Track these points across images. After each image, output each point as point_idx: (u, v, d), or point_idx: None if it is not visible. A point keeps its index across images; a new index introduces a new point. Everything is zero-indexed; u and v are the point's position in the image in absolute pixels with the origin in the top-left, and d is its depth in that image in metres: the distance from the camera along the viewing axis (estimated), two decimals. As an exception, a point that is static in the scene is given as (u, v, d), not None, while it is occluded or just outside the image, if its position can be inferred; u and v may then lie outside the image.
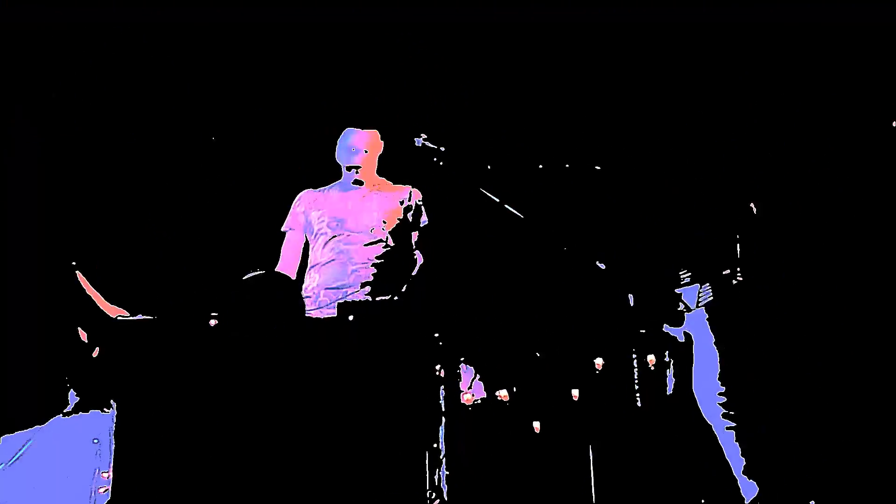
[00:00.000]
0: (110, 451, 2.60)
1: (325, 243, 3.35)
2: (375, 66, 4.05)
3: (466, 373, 3.40)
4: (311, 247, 3.43)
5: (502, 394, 3.41)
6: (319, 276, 3.32)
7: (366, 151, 3.42)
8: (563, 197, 3.77)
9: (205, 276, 3.87)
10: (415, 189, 3.48)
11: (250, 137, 4.11)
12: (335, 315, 2.93)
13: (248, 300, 2.71)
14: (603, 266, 2.56)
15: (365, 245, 3.33)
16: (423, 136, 2.95)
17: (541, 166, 3.58)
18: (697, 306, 3.00)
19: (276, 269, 3.39)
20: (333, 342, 2.72)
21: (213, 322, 2.69)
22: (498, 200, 2.72)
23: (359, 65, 4.06)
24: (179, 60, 4.01)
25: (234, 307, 2.70)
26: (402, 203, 3.43)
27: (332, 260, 3.32)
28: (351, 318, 2.74)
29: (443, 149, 2.84)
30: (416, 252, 3.44)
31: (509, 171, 3.47)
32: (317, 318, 3.13)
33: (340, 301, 2.86)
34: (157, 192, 4.02)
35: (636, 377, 2.71)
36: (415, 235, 3.43)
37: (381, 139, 3.49)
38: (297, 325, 2.69)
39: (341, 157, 3.46)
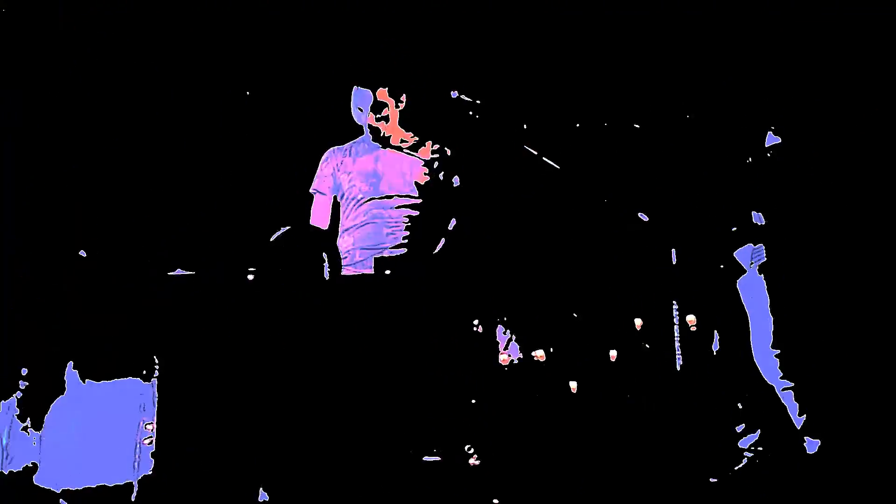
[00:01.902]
0: (154, 402, 2.63)
1: (358, 206, 3.32)
2: (407, 22, 4.00)
3: (503, 333, 3.39)
4: (342, 209, 3.39)
5: (539, 354, 3.39)
6: (354, 239, 3.31)
7: (374, 110, 3.31)
8: (602, 155, 3.71)
9: (241, 232, 3.90)
10: (441, 147, 3.40)
11: (276, 93, 4.08)
12: (372, 272, 2.93)
13: (286, 255, 2.72)
14: (646, 218, 2.50)
15: (398, 207, 3.30)
16: (455, 92, 2.87)
17: (578, 125, 3.53)
18: (751, 266, 2.93)
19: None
20: (371, 298, 2.72)
21: (250, 277, 2.70)
22: (536, 153, 2.67)
23: (390, 20, 4.00)
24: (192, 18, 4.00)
25: (273, 262, 2.70)
26: (430, 162, 3.37)
27: (367, 223, 3.30)
28: (388, 272, 2.73)
29: (479, 102, 2.77)
30: (450, 214, 3.40)
31: (546, 129, 3.42)
32: (354, 275, 3.13)
33: (376, 256, 2.86)
34: (191, 150, 4.03)
35: (678, 337, 2.67)
36: (445, 195, 3.37)
37: (398, 93, 3.34)
38: (335, 280, 2.69)
39: (354, 115, 3.39)
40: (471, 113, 2.81)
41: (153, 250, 3.66)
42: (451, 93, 2.86)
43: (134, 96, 3.95)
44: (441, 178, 3.36)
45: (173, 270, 2.76)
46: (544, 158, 2.66)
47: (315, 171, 3.46)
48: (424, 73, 3.71)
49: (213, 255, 3.78)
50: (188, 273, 2.73)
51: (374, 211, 3.29)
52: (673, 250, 2.63)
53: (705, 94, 3.57)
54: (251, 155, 4.06)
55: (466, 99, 2.82)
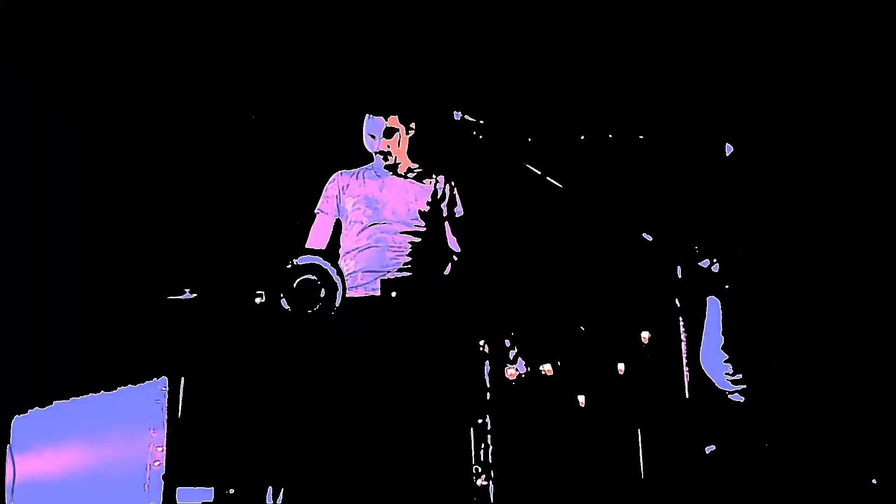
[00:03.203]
0: (163, 426, 2.66)
1: (361, 231, 3.34)
2: (407, 44, 4.02)
3: (511, 348, 3.40)
4: (343, 232, 3.41)
5: (546, 368, 3.40)
6: (356, 262, 3.32)
7: (386, 136, 3.34)
8: (606, 168, 3.72)
9: (248, 255, 3.92)
10: (448, 178, 3.44)
11: (284, 116, 4.11)
12: (377, 294, 2.95)
13: (292, 279, 2.74)
14: (650, 238, 2.51)
15: (401, 233, 3.32)
16: (460, 112, 2.88)
17: (583, 137, 3.53)
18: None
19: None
20: (377, 319, 2.73)
21: (258, 300, 2.72)
22: (540, 173, 2.68)
23: (390, 43, 4.02)
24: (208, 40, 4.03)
25: (279, 286, 2.72)
26: (436, 193, 3.40)
27: (370, 246, 3.31)
28: (394, 294, 2.75)
29: (482, 122, 2.78)
30: (453, 242, 3.42)
31: (550, 144, 3.42)
32: (359, 297, 3.15)
33: (382, 278, 2.87)
34: (197, 172, 4.06)
35: (685, 350, 2.68)
36: (449, 225, 3.40)
37: (409, 121, 3.40)
38: (340, 304, 2.71)
39: (366, 143, 3.43)
40: (475, 133, 2.82)
41: (161, 272, 3.69)
42: (455, 114, 2.87)
43: (151, 128, 3.99)
44: (445, 208, 3.38)
45: (181, 293, 2.78)
46: (548, 178, 2.66)
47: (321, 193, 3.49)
48: (431, 98, 3.73)
49: (220, 278, 3.81)
50: (195, 296, 2.75)
51: (378, 235, 3.31)
52: (678, 266, 2.64)
53: (706, 106, 3.57)
54: (262, 179, 4.08)
55: (470, 119, 2.83)
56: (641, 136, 3.20)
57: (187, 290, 2.80)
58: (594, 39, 3.91)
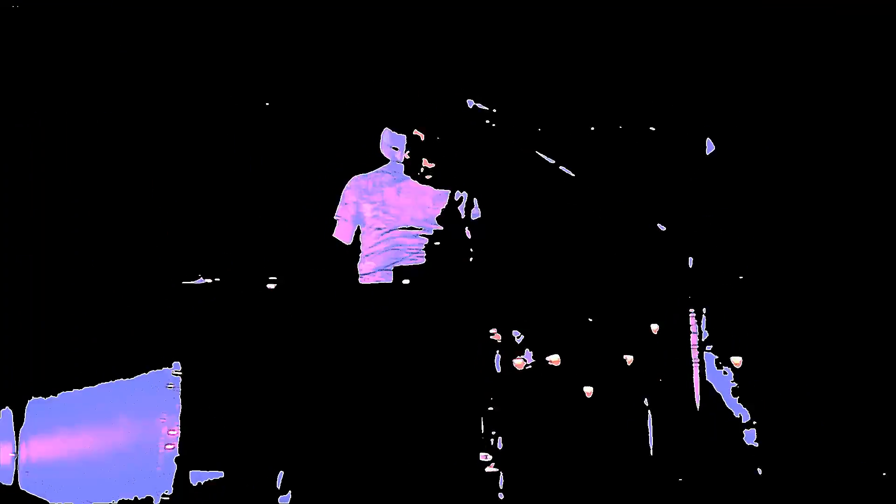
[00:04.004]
0: (175, 409, 2.67)
1: (380, 236, 3.35)
2: (417, 31, 4.00)
3: (519, 337, 3.41)
4: (363, 236, 3.41)
5: (553, 359, 3.41)
6: (375, 263, 3.34)
7: (407, 149, 3.35)
8: (617, 159, 3.72)
9: (262, 241, 3.93)
10: (465, 178, 3.42)
11: (302, 104, 4.12)
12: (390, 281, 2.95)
13: (305, 265, 2.75)
14: (664, 228, 2.50)
15: (419, 237, 3.33)
16: (472, 101, 2.87)
17: (593, 128, 3.52)
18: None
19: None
20: (389, 306, 2.74)
21: (271, 286, 2.73)
22: (553, 162, 2.68)
23: (400, 30, 4.01)
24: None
25: (292, 271, 2.73)
26: (453, 196, 3.39)
27: (389, 249, 3.33)
28: (406, 281, 2.76)
29: (495, 110, 2.77)
30: (470, 245, 3.41)
31: (561, 134, 3.42)
32: (372, 283, 3.16)
33: (396, 266, 2.88)
34: (217, 159, 4.07)
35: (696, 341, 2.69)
36: (467, 229, 3.38)
37: (428, 129, 3.35)
38: (352, 289, 2.72)
39: (385, 152, 3.43)
40: (488, 122, 2.81)
41: (175, 258, 3.70)
42: (468, 102, 2.86)
43: (171, 116, 3.99)
44: (462, 212, 3.37)
45: (195, 278, 2.79)
46: (560, 167, 2.67)
47: (338, 195, 3.47)
48: (442, 91, 3.71)
49: (234, 264, 3.82)
50: (209, 281, 2.77)
51: (397, 240, 3.33)
52: (690, 257, 2.65)
53: (720, 97, 3.56)
54: (276, 168, 4.08)
55: (483, 108, 2.82)
56: (653, 128, 3.20)
57: (201, 276, 2.82)
58: (604, 27, 3.89)
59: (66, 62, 3.88)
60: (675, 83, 3.78)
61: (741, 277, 2.87)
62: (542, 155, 2.75)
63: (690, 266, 2.66)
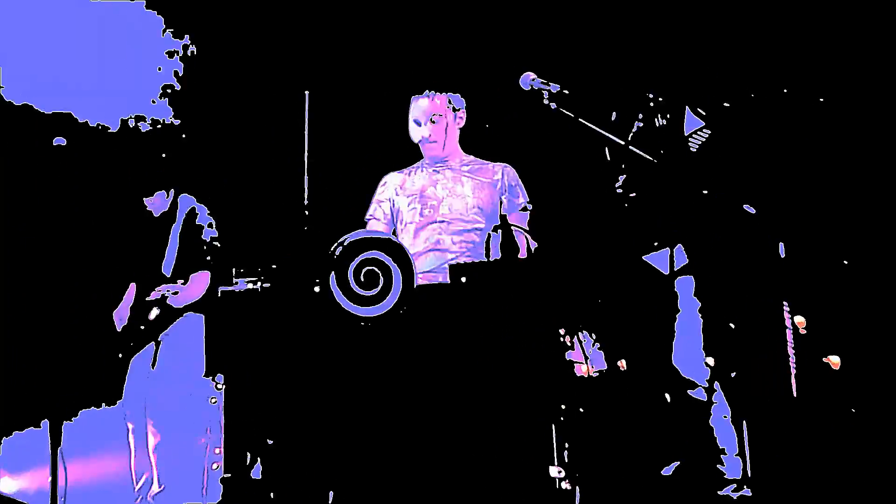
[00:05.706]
0: (221, 427, 2.49)
1: (417, 232, 3.15)
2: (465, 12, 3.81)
3: (585, 341, 3.16)
4: (399, 234, 3.21)
5: (622, 363, 3.16)
6: (419, 263, 3.12)
7: (433, 122, 3.15)
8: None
9: (308, 245, 3.75)
10: (508, 166, 3.23)
11: (337, 96, 3.95)
12: (445, 281, 2.73)
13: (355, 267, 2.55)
14: (753, 210, 2.22)
15: (460, 232, 3.12)
16: (532, 75, 2.58)
17: (659, 99, 3.22)
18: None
19: None
20: (447, 308, 2.52)
21: (317, 289, 2.53)
22: (623, 143, 2.41)
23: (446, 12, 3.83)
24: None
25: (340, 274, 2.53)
26: (496, 185, 3.19)
27: (428, 250, 3.13)
28: (463, 280, 2.52)
29: (557, 87, 2.49)
30: (520, 236, 3.19)
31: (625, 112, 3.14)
32: (427, 284, 2.94)
33: (450, 263, 2.66)
34: (260, 160, 3.95)
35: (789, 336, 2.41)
36: (514, 217, 3.13)
37: (456, 106, 3.19)
38: (408, 293, 2.50)
39: (412, 133, 3.22)
40: (546, 101, 2.53)
41: (219, 264, 3.53)
42: (522, 82, 2.57)
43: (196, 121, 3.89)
44: (505, 202, 3.15)
45: (235, 283, 2.61)
46: (632, 148, 2.39)
47: (370, 195, 3.32)
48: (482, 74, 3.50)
49: (276, 268, 3.66)
50: (249, 286, 2.58)
51: (435, 237, 3.13)
52: (781, 244, 2.36)
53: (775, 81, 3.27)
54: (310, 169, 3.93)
55: (542, 85, 2.53)
56: (727, 104, 2.90)
57: (240, 281, 2.63)
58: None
59: (67, 62, 3.79)
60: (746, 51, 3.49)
61: (845, 262, 2.56)
62: (609, 135, 2.48)
63: (782, 253, 2.37)
